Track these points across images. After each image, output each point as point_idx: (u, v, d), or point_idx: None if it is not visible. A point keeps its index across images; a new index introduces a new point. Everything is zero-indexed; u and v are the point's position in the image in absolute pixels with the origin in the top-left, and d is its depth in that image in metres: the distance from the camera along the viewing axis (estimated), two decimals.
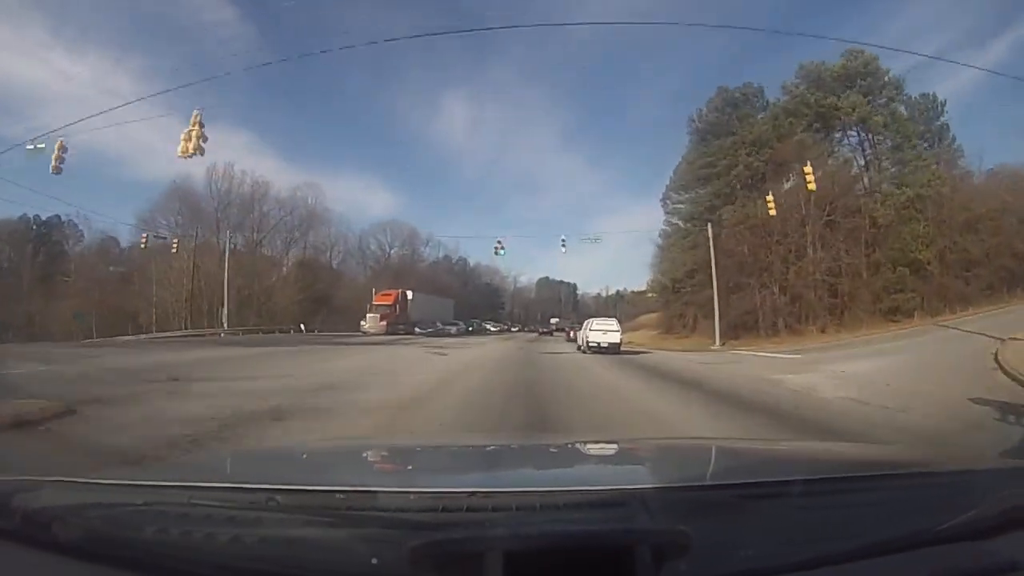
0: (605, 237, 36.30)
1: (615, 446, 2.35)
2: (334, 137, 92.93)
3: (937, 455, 2.68)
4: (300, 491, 1.10)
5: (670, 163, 48.40)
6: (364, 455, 2.09)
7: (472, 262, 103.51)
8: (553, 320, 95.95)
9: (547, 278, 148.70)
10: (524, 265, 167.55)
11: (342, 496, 1.08)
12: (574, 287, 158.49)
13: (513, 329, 72.99)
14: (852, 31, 58.47)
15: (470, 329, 47.21)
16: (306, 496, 1.08)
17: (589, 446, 2.31)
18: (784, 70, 44.14)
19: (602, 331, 22.47)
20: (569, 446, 2.37)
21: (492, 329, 58.44)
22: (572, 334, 37.05)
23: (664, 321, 45.37)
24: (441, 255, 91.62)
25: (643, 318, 71.06)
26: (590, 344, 22.04)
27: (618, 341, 21.89)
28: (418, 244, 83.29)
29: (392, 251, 76.24)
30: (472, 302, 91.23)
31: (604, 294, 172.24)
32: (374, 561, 0.88)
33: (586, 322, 25.54)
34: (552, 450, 2.25)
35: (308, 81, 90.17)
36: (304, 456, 2.09)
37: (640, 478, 1.71)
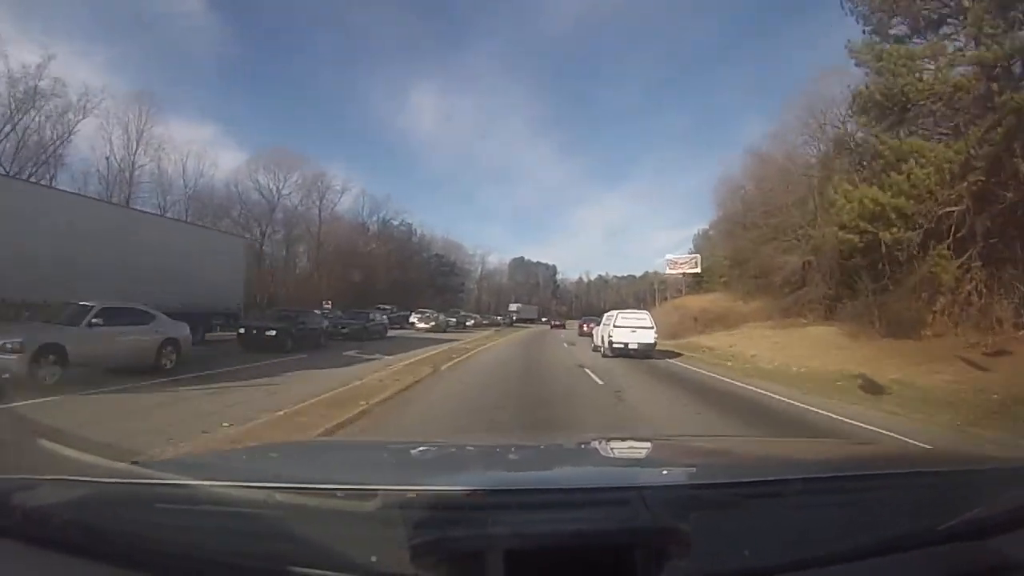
0: None
1: (616, 445, 2.27)
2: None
3: (939, 454, 2.72)
4: (300, 489, 1.07)
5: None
6: (364, 453, 2.09)
7: (420, 230, 71.34)
8: (513, 306, 67.46)
9: (522, 259, 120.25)
10: (494, 243, 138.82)
11: (342, 494, 1.05)
12: (553, 270, 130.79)
13: (468, 323, 41.83)
14: None
15: (311, 324, 17.02)
16: (306, 494, 1.05)
17: (590, 445, 2.27)
18: None
19: (630, 328, 16.97)
20: (570, 445, 2.33)
21: (420, 325, 27.98)
22: (586, 328, 31.50)
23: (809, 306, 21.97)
24: (366, 212, 58.94)
25: (696, 300, 43.57)
26: (614, 345, 16.60)
27: (652, 342, 16.59)
28: (327, 192, 50.57)
29: (282, 197, 43.78)
30: (415, 282, 59.66)
31: (586, 279, 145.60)
32: (373, 559, 0.87)
33: (607, 316, 19.50)
34: (553, 449, 2.21)
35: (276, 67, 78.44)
36: (304, 454, 2.07)
37: (641, 477, 1.65)
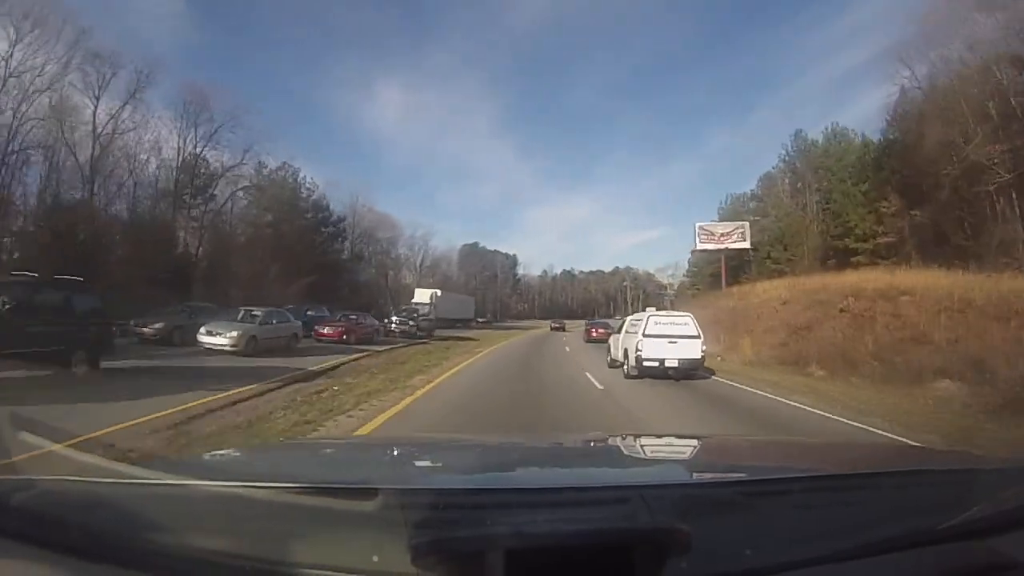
0: None
1: (617, 444, 2.40)
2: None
3: (939, 454, 2.75)
4: (300, 489, 1.08)
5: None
6: (365, 452, 2.15)
7: (309, 179, 45.79)
8: (422, 294, 45.84)
9: (476, 245, 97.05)
10: (441, 224, 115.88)
11: (343, 493, 1.06)
12: (514, 260, 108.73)
13: (222, 338, 16.80)
14: None
15: None
16: (306, 494, 1.06)
17: (591, 444, 2.41)
18: None
19: (667, 338, 12.48)
20: (571, 444, 2.48)
21: None
22: (595, 333, 27.91)
23: None
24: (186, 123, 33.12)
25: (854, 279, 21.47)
26: (645, 362, 12.38)
27: (698, 357, 12.67)
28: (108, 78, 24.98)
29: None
30: (289, 258, 34.41)
31: (549, 273, 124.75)
32: (375, 559, 0.89)
33: (631, 320, 14.78)
34: (554, 448, 2.31)
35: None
36: (305, 453, 2.14)
37: (642, 476, 1.68)
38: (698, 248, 39.21)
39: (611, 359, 15.48)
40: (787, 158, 45.51)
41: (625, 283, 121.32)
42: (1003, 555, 1.02)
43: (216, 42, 68.37)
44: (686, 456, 2.05)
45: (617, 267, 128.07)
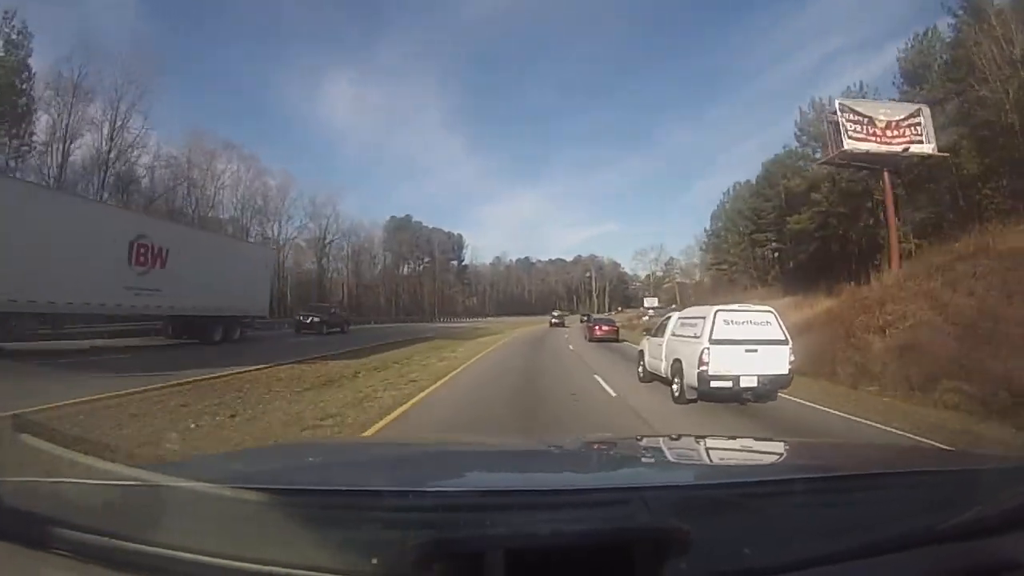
0: None
1: (617, 445, 2.39)
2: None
3: (939, 454, 2.70)
4: (301, 491, 1.14)
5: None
6: (365, 455, 2.17)
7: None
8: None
9: (408, 219, 75.70)
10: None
11: (343, 496, 1.11)
12: (459, 241, 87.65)
13: None
14: None
15: None
16: (307, 496, 1.11)
17: (591, 446, 2.33)
18: None
19: (743, 344, 8.62)
20: (570, 446, 2.37)
21: None
22: (598, 330, 24.54)
23: None
24: None
25: None
26: (713, 382, 8.59)
27: (786, 372, 8.86)
28: None
29: None
30: None
31: (503, 260, 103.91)
32: (374, 561, 0.91)
33: (680, 317, 10.68)
34: (553, 450, 2.25)
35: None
36: (305, 456, 2.15)
37: (642, 477, 1.70)
38: (845, 148, 20.31)
39: (644, 371, 11.61)
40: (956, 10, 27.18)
41: (588, 273, 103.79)
42: (1004, 555, 1.02)
43: None
44: (686, 457, 2.04)
45: (580, 255, 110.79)
